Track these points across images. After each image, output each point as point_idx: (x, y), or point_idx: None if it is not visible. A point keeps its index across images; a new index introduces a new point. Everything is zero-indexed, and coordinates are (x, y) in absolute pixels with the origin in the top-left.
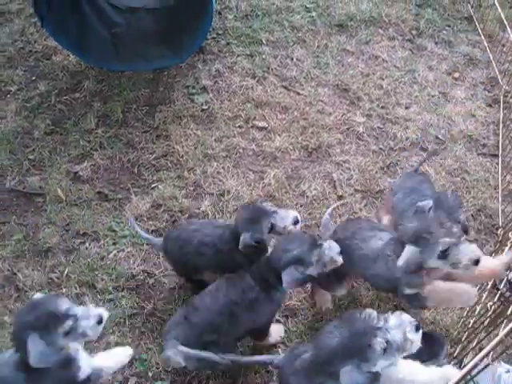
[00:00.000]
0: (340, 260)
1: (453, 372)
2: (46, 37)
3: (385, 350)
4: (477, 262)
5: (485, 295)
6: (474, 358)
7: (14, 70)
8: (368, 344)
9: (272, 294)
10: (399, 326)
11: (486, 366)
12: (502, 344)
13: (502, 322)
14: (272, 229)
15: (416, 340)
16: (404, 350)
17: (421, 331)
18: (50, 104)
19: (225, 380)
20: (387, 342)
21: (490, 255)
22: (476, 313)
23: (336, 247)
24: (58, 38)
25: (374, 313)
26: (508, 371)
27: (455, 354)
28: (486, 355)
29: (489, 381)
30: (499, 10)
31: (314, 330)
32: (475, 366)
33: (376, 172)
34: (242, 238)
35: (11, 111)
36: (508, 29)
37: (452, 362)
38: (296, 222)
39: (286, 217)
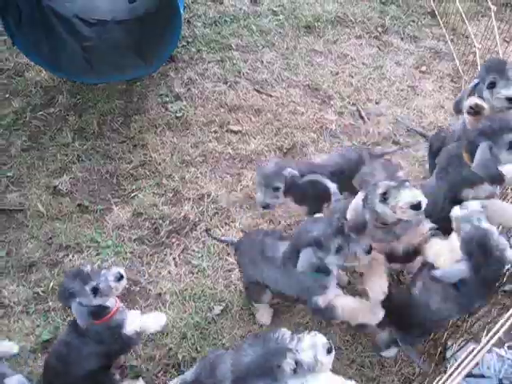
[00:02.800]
0: (365, 260)
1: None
2: (17, 53)
3: (295, 370)
4: (415, 206)
5: None
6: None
7: None
8: (277, 365)
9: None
10: (311, 346)
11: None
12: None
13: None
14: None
15: (326, 362)
16: (314, 370)
17: (332, 353)
18: (25, 120)
19: None
20: (297, 362)
21: None
22: None
23: (365, 245)
24: (29, 54)
25: (288, 333)
26: (490, 351)
27: (440, 338)
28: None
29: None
30: (458, 3)
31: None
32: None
33: None
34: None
35: None
36: (466, 21)
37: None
38: None
39: None
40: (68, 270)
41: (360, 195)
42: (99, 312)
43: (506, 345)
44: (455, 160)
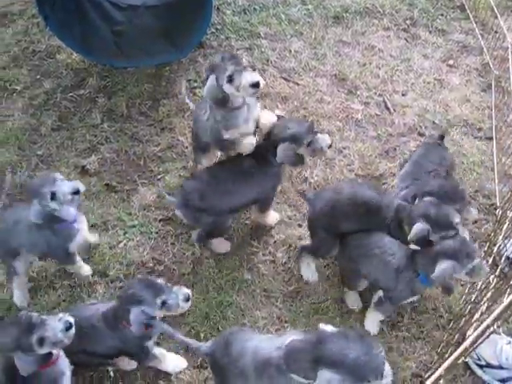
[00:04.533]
0: (327, 152)
1: None
2: (49, 36)
3: None
4: (254, 85)
5: None
6: (476, 329)
7: (19, 69)
8: None
9: (269, 169)
10: None
11: (489, 334)
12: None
13: (502, 295)
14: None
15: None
16: None
17: None
18: (56, 101)
19: None
20: None
21: (490, 234)
22: (478, 288)
23: (328, 140)
24: (61, 36)
25: None
26: (509, 343)
27: (458, 328)
28: (489, 326)
29: (491, 353)
30: None
31: (318, 311)
32: (479, 336)
33: (375, 157)
34: None
35: (18, 109)
36: (498, 16)
37: (457, 335)
38: None
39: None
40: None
41: (212, 77)
42: (149, 324)
43: None
44: None
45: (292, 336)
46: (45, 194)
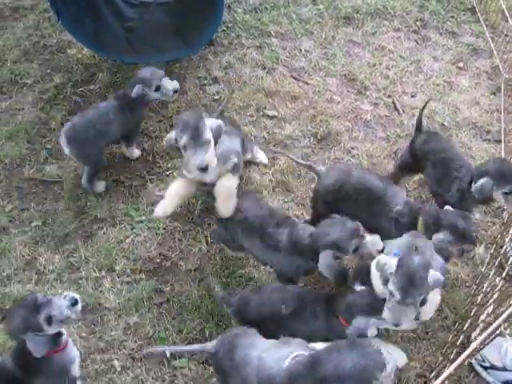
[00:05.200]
0: (375, 250)
1: None
2: (60, 31)
3: None
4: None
5: (492, 273)
6: (482, 332)
7: (30, 64)
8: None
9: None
10: None
11: (495, 336)
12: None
13: (508, 298)
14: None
15: None
16: None
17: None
18: (66, 96)
19: None
20: None
21: (496, 237)
22: (483, 290)
23: (379, 243)
24: (72, 31)
25: None
26: None
27: (464, 329)
28: (497, 328)
29: (495, 355)
30: (501, 0)
31: None
32: (486, 338)
33: (384, 158)
34: None
35: (28, 103)
36: (509, 19)
37: (462, 336)
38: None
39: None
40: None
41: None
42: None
43: None
44: None
45: (295, 349)
46: None
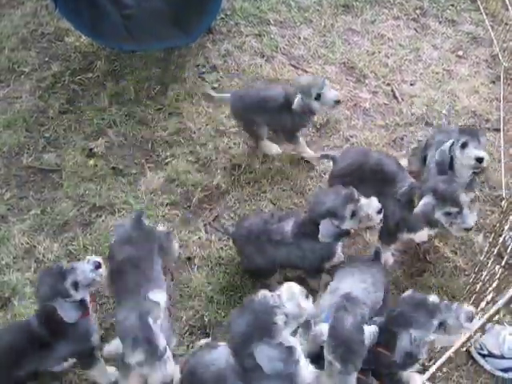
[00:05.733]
0: (377, 219)
1: None
2: (58, 19)
3: (285, 322)
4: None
5: (490, 262)
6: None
7: (28, 52)
8: (273, 323)
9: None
10: (291, 297)
11: (494, 324)
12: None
13: (507, 286)
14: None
15: (308, 306)
16: (300, 317)
17: (311, 298)
18: (64, 84)
19: None
20: (286, 315)
21: (495, 225)
22: (482, 278)
23: (376, 205)
24: (70, 19)
25: (267, 293)
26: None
27: None
28: (494, 315)
29: (493, 343)
30: None
31: None
32: (485, 324)
33: (383, 146)
34: None
35: (26, 91)
36: (509, 7)
37: None
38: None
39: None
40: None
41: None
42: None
43: None
44: None
45: None
46: None
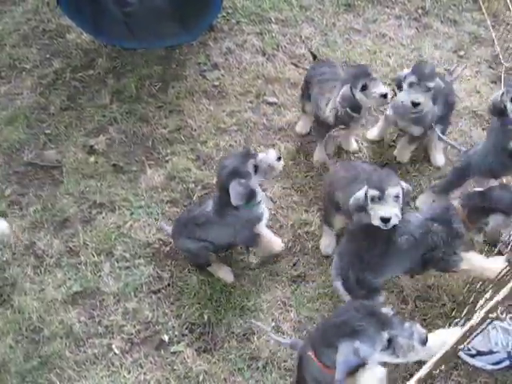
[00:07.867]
0: (279, 166)
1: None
2: (60, 15)
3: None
4: (385, 95)
5: None
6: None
7: (29, 48)
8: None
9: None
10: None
11: (491, 321)
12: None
13: (507, 284)
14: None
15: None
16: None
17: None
18: (65, 81)
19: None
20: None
21: None
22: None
23: (273, 154)
24: (72, 16)
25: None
26: (494, 327)
27: (462, 316)
28: (492, 311)
29: (480, 342)
30: None
31: (322, 296)
32: (483, 320)
33: (384, 144)
34: None
35: (27, 88)
36: (511, 7)
37: (459, 323)
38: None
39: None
40: None
41: (346, 87)
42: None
43: (509, 316)
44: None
45: None
46: None
